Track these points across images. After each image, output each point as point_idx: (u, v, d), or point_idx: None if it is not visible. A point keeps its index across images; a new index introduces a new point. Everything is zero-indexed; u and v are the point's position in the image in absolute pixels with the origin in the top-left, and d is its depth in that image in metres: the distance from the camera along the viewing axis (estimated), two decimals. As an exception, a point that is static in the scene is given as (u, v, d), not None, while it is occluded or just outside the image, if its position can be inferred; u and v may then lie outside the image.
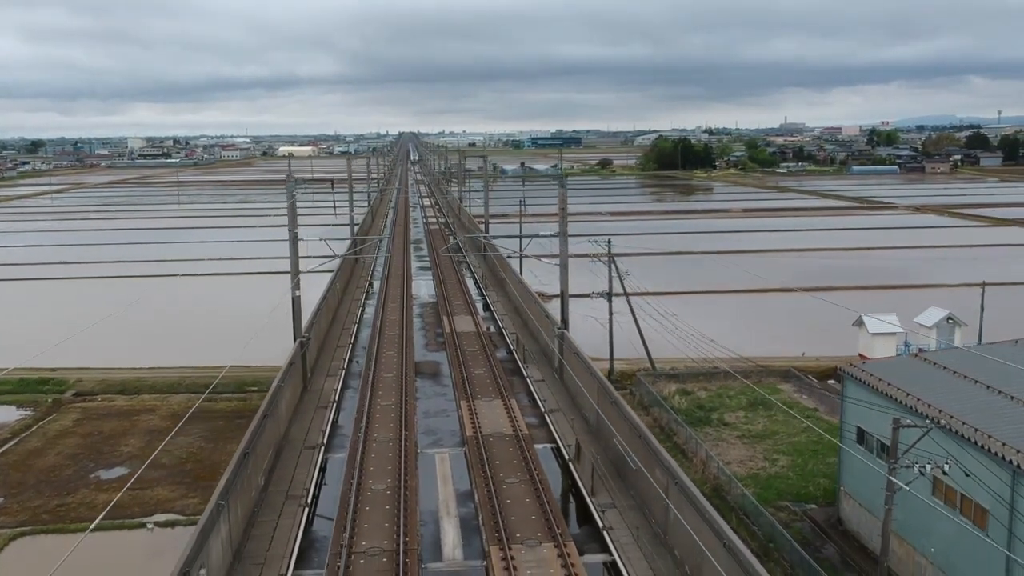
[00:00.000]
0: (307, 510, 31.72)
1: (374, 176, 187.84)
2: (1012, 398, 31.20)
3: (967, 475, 27.19)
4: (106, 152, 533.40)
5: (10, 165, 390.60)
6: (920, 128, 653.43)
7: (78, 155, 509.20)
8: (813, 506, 39.56)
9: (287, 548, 28.41)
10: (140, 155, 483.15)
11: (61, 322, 78.46)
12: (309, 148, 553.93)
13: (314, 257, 67.11)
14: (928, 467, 25.25)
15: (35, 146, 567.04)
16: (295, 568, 27.62)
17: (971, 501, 28.66)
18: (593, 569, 27.60)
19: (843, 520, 37.65)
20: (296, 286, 48.11)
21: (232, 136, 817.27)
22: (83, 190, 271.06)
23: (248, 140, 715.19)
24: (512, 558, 27.17)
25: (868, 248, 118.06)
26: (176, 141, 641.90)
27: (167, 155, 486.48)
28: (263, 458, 33.62)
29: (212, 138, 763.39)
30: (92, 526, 34.82)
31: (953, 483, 29.14)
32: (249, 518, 30.29)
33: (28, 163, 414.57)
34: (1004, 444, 27.29)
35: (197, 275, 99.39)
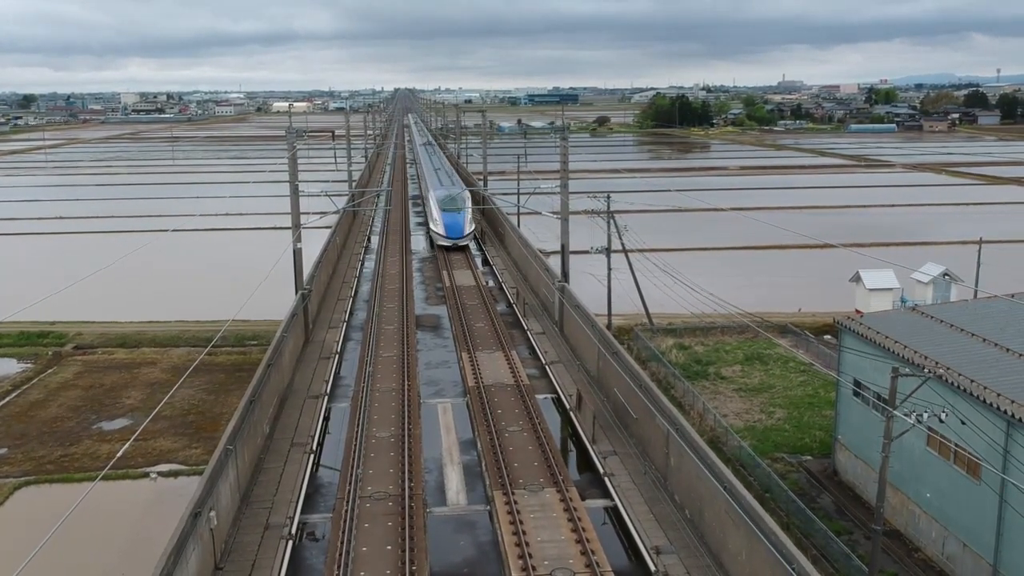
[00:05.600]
0: (312, 457, 32.15)
1: (371, 133, 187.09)
2: (1007, 350, 31.61)
3: (963, 423, 27.64)
4: (99, 107, 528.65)
5: (2, 120, 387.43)
6: (919, 86, 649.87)
7: (71, 110, 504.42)
8: (809, 457, 40.17)
9: (294, 493, 28.87)
10: (133, 110, 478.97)
11: (60, 276, 78.50)
12: (304, 104, 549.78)
13: (314, 213, 67.00)
14: (925, 415, 25.65)
15: (27, 101, 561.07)
16: (302, 512, 28.09)
17: (965, 451, 29.17)
18: (595, 513, 28.09)
19: (838, 471, 38.26)
20: (298, 238, 48.18)
21: (226, 92, 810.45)
22: (77, 145, 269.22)
23: (242, 96, 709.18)
24: (515, 502, 27.66)
25: (865, 206, 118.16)
26: (170, 97, 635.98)
27: (161, 111, 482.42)
28: (268, 406, 34.01)
29: (206, 94, 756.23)
30: (98, 477, 35.22)
31: (948, 433, 29.62)
32: (256, 464, 30.75)
33: (20, 118, 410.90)
34: (999, 395, 27.74)
35: (195, 230, 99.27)
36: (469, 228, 73.99)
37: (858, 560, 29.34)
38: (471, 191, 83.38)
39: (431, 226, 76.24)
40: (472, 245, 76.09)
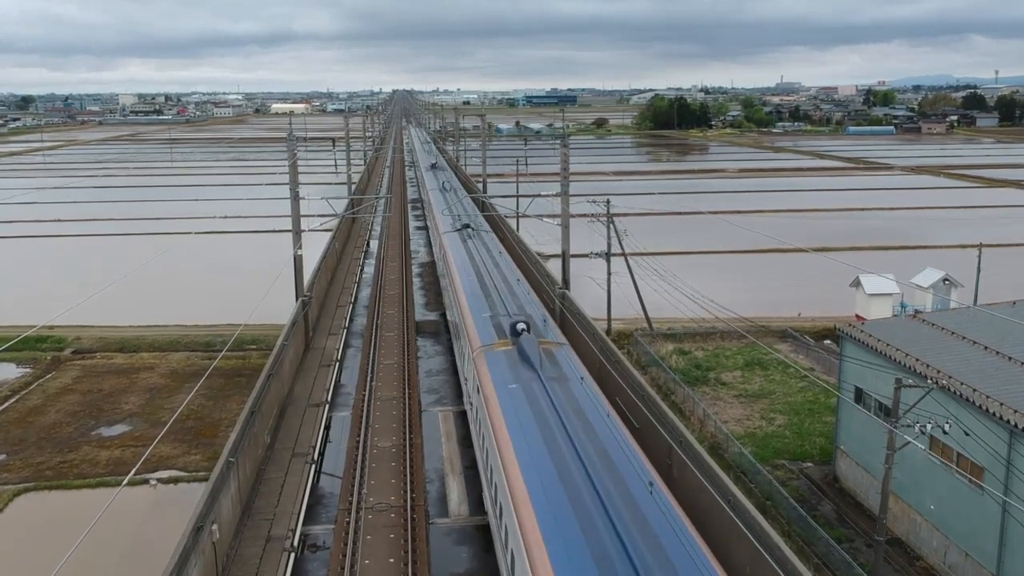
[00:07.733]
0: (313, 467, 32.06)
1: (369, 135, 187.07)
2: (1009, 359, 31.58)
3: (967, 434, 27.61)
4: (97, 108, 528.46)
5: (0, 121, 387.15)
6: (917, 88, 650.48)
7: (69, 111, 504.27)
8: (809, 464, 40.12)
9: (295, 504, 28.76)
10: (132, 112, 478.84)
11: (58, 280, 78.50)
12: (302, 105, 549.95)
13: (315, 216, 66.94)
14: (928, 427, 25.61)
15: (25, 102, 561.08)
16: (304, 524, 28.00)
17: (967, 460, 29.14)
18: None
19: (839, 478, 38.21)
20: (298, 246, 48.08)
21: (225, 93, 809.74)
22: (76, 147, 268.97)
23: (241, 97, 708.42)
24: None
25: (864, 208, 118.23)
26: (168, 98, 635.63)
27: (159, 112, 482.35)
28: (269, 416, 33.93)
29: (204, 95, 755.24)
30: (124, 481, 35.15)
31: (950, 443, 29.58)
32: (257, 475, 30.65)
33: (18, 119, 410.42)
34: (1002, 404, 27.70)
35: (193, 233, 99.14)
36: None
37: (859, 568, 29.30)
38: (473, 198, 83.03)
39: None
40: None
